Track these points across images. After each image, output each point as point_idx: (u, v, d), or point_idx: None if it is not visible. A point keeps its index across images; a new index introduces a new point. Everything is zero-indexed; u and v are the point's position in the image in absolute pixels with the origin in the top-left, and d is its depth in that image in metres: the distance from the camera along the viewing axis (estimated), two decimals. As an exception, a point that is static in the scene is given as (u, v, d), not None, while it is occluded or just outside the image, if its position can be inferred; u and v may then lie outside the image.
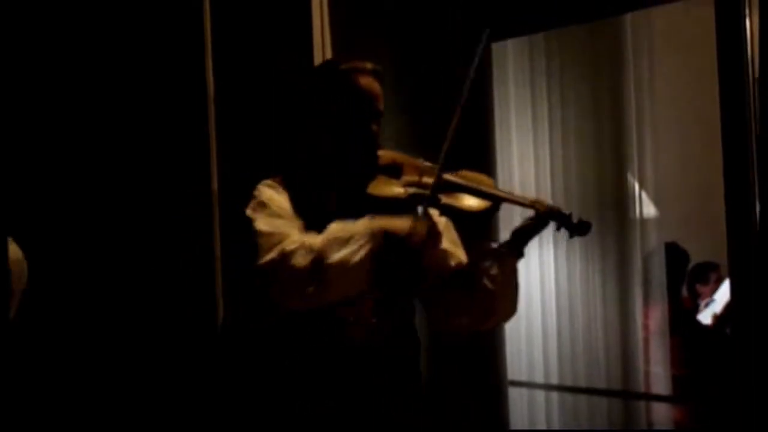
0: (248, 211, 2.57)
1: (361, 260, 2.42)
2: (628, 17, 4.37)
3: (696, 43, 4.40)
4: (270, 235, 2.48)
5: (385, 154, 2.64)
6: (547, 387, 4.59)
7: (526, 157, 4.62)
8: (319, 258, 2.42)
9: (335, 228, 2.46)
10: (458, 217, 2.62)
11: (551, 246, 4.57)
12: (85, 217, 4.13)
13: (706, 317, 5.41)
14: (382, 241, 2.44)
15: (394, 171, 2.61)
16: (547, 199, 2.90)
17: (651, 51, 4.46)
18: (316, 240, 2.45)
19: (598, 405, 4.51)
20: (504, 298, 2.68)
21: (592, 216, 4.43)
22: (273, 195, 2.59)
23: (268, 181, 2.64)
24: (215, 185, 4.13)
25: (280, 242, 2.45)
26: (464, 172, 2.64)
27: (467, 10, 4.26)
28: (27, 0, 3.99)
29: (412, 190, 2.55)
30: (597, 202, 4.49)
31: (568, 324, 4.54)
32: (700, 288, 5.62)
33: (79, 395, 3.94)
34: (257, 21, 4.20)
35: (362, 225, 2.46)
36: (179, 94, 4.19)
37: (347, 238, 2.43)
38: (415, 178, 2.58)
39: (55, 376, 3.92)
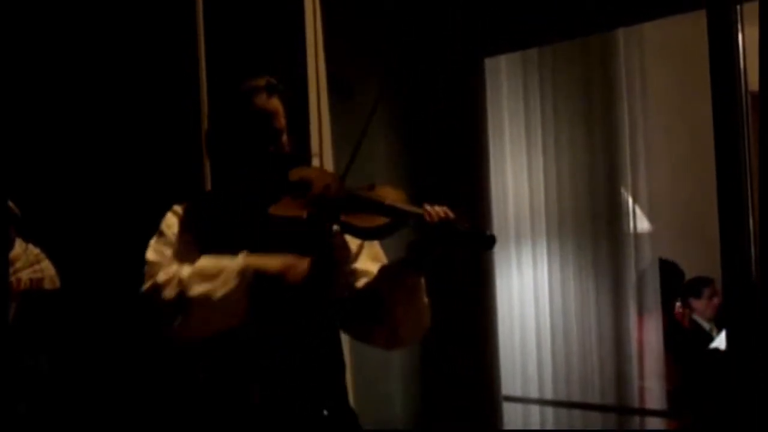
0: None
1: (225, 296, 2.38)
2: (621, 32, 4.37)
3: (688, 57, 4.41)
4: (152, 264, 2.48)
5: (295, 172, 2.55)
6: (542, 402, 4.57)
7: (520, 171, 4.62)
8: (183, 291, 2.40)
9: (204, 262, 2.44)
10: (359, 234, 2.51)
11: (545, 261, 4.56)
12: (76, 226, 4.13)
13: (721, 342, 5.23)
14: (253, 279, 2.40)
15: (301, 189, 2.51)
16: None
17: (643, 65, 4.47)
18: (186, 272, 2.42)
19: (592, 420, 4.50)
20: (406, 317, 2.53)
21: (586, 230, 4.48)
22: (173, 222, 2.56)
23: (176, 206, 2.61)
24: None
25: (156, 273, 2.45)
26: (376, 187, 2.53)
27: (461, 26, 4.27)
28: (20, 5, 4.00)
29: (313, 209, 2.46)
30: (590, 217, 4.48)
31: (563, 339, 4.53)
32: (694, 303, 5.62)
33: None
34: (251, 36, 4.21)
35: (234, 262, 2.42)
36: (173, 109, 4.19)
37: (215, 273, 2.40)
38: (320, 195, 2.49)
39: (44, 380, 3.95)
